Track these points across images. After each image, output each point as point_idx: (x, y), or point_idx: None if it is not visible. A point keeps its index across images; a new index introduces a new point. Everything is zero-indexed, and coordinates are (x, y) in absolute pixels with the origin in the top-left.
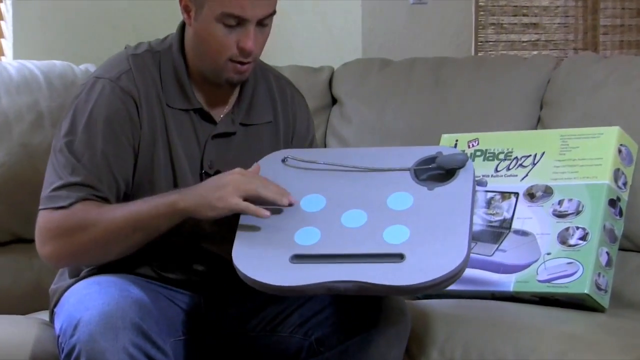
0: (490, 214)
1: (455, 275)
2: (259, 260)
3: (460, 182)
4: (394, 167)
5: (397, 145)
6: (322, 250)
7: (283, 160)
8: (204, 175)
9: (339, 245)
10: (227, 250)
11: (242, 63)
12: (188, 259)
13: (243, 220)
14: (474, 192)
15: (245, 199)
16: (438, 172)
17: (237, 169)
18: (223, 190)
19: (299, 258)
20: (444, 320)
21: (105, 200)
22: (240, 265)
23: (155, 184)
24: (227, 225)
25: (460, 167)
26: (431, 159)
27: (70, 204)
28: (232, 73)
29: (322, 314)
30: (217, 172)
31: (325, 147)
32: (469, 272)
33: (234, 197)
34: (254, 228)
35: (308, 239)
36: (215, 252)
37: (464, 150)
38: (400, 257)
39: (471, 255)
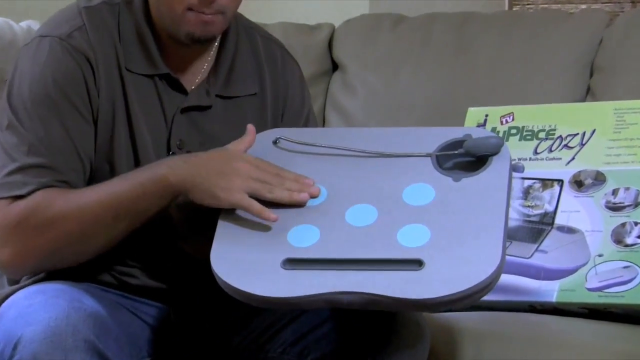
0: (528, 206)
1: (486, 287)
2: (243, 265)
3: (494, 172)
4: (412, 152)
5: (413, 122)
6: (321, 254)
7: (274, 143)
8: None
9: (342, 247)
10: (204, 250)
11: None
12: (155, 261)
13: (225, 213)
14: (510, 183)
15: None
16: (466, 160)
17: (249, 156)
18: (230, 180)
19: (292, 263)
20: (471, 338)
21: (70, 186)
22: (220, 271)
23: (116, 168)
24: (205, 217)
25: (493, 154)
26: (457, 143)
27: (30, 192)
28: (194, 26)
29: (321, 329)
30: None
31: (323, 124)
32: (502, 278)
33: (240, 191)
34: (237, 224)
35: (304, 239)
36: (188, 252)
37: (496, 130)
38: (417, 263)
39: (507, 258)
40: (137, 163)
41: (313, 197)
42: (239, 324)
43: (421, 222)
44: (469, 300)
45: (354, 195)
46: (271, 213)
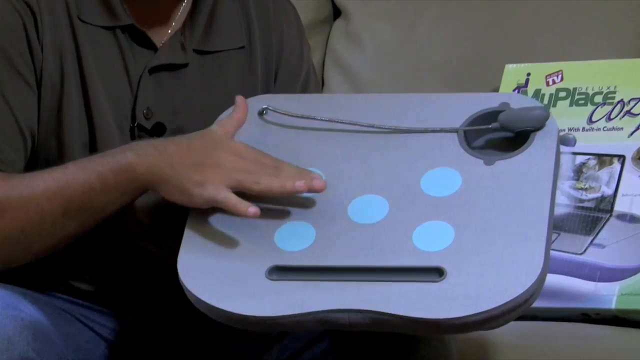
0: (581, 188)
1: (522, 304)
2: (218, 275)
3: (536, 153)
4: (433, 127)
5: (434, 84)
6: (316, 260)
7: (261, 113)
8: (136, 130)
9: (343, 252)
10: (171, 251)
11: None
12: (111, 261)
13: (195, 209)
14: (558, 166)
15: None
16: (502, 136)
17: (240, 145)
18: (207, 173)
19: (280, 272)
20: (509, 355)
21: (7, 168)
22: (190, 283)
23: (65, 144)
24: (177, 213)
25: (536, 129)
26: (491, 115)
27: None
28: None
29: (317, 347)
30: (158, 126)
31: (322, 86)
32: (548, 279)
33: (221, 187)
34: (211, 223)
35: (296, 241)
36: (153, 252)
37: (540, 93)
38: (437, 273)
39: (553, 254)
40: (93, 138)
41: (316, 191)
42: (215, 340)
43: (443, 219)
44: (501, 321)
45: (360, 183)
46: (250, 206)
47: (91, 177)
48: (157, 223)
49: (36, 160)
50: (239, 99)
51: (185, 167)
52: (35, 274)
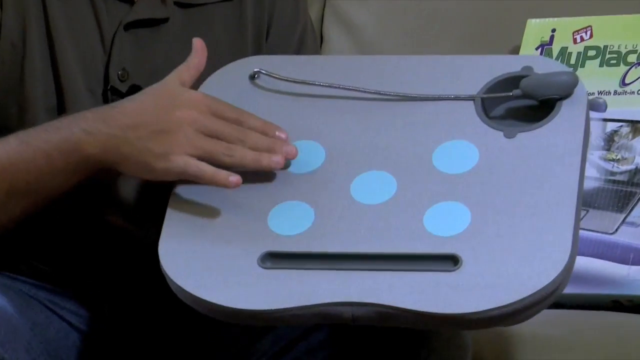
0: (612, 159)
1: (547, 297)
2: (205, 262)
3: (564, 124)
4: (446, 94)
5: (448, 41)
6: (315, 246)
7: (252, 77)
8: (109, 94)
9: (344, 237)
10: (148, 228)
11: None
12: (82, 240)
13: (177, 189)
14: (587, 137)
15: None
16: (524, 105)
17: (198, 95)
18: (168, 140)
19: (275, 259)
20: (532, 347)
21: None
22: (173, 272)
23: (28, 108)
24: (158, 186)
25: (563, 97)
26: (512, 81)
27: None
28: None
29: (314, 337)
30: (135, 89)
31: (321, 43)
32: (576, 262)
33: (183, 154)
34: (195, 205)
35: (292, 224)
36: (127, 228)
37: (567, 51)
38: (452, 261)
39: (581, 233)
40: (61, 103)
41: (289, 158)
42: (201, 330)
43: (458, 199)
44: (523, 316)
45: (364, 158)
46: (231, 174)
47: (36, 155)
48: (129, 194)
49: None
50: (197, 42)
51: (143, 140)
52: None
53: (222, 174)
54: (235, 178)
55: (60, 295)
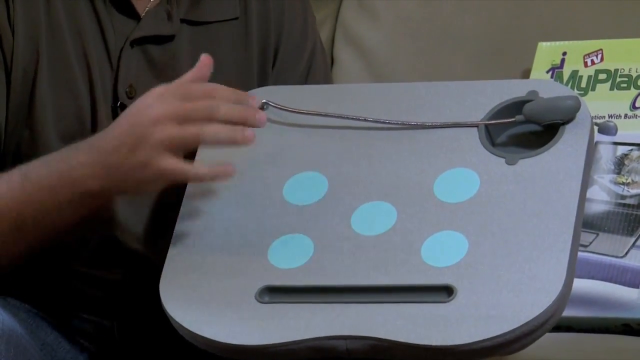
0: (623, 183)
1: (543, 324)
2: (204, 298)
3: (565, 149)
4: (449, 122)
5: (459, 62)
6: (313, 279)
7: (261, 109)
8: (118, 111)
9: (343, 269)
10: (158, 248)
11: None
12: (92, 261)
13: (182, 221)
14: (590, 162)
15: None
16: (529, 130)
17: (156, 90)
18: (142, 148)
19: (272, 294)
20: None
21: None
22: (171, 307)
23: (40, 132)
24: (153, 204)
25: (565, 121)
26: (517, 106)
27: None
28: None
29: None
30: None
31: (331, 64)
32: (585, 286)
33: (162, 155)
34: (197, 237)
35: (291, 257)
36: (139, 251)
37: (578, 74)
38: (446, 291)
39: (591, 257)
40: (71, 129)
41: (260, 126)
42: (207, 353)
43: (457, 228)
44: (517, 346)
45: (366, 188)
46: (201, 166)
47: (40, 191)
48: (136, 214)
49: (5, 154)
50: (204, 58)
51: (113, 151)
52: (6, 280)
53: (193, 168)
54: (204, 169)
55: (69, 316)
